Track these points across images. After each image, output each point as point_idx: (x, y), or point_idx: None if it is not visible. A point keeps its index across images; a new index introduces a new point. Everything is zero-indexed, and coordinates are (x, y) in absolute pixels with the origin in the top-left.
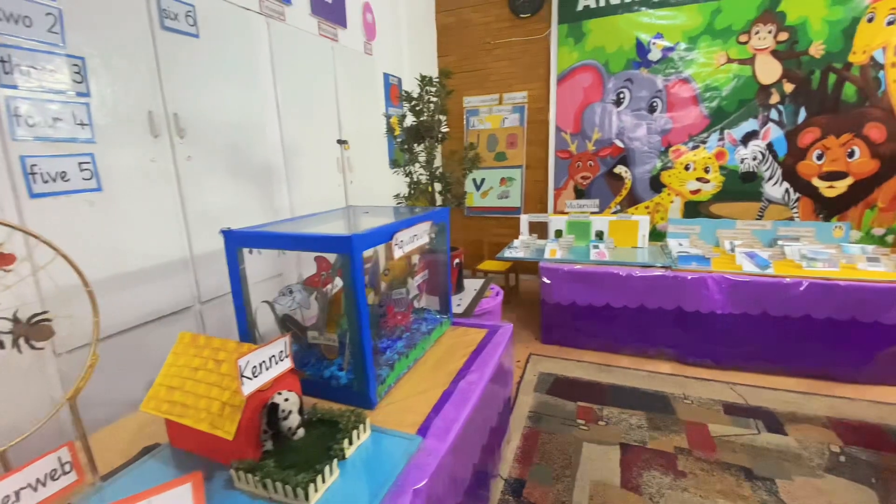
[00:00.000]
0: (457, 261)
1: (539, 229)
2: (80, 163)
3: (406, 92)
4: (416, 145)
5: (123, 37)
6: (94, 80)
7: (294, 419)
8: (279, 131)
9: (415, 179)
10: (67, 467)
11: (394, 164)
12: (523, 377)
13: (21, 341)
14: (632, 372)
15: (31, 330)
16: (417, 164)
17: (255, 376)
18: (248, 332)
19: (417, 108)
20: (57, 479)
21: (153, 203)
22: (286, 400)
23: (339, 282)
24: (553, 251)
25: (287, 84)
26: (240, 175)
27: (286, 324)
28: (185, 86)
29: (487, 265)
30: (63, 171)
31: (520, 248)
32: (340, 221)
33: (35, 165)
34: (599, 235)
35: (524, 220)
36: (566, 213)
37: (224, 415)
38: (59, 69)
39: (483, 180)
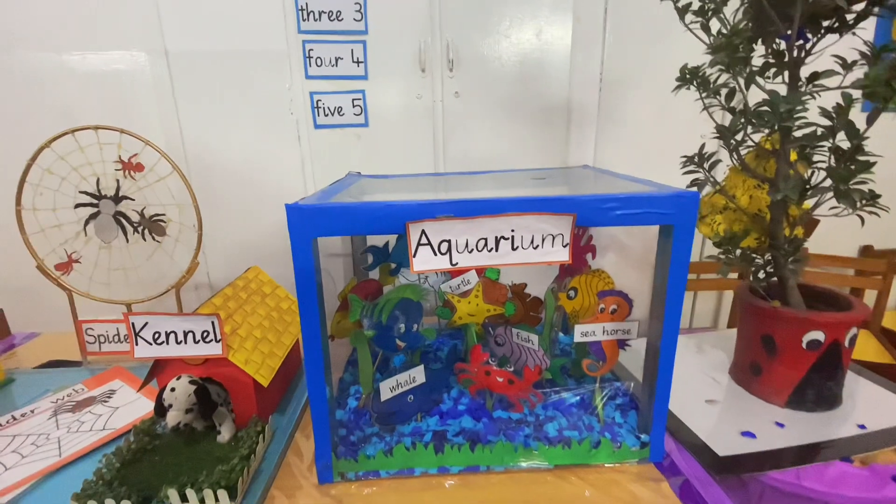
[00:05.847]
0: (813, 336)
1: None
2: (353, 99)
3: None
4: (758, 40)
5: None
6: (372, 17)
7: (173, 417)
8: (600, 55)
9: (739, 122)
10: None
11: (684, 78)
12: None
13: (144, 231)
14: None
15: (151, 225)
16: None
17: (157, 343)
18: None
19: None
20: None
21: (409, 141)
22: (171, 390)
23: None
24: None
25: None
26: (521, 115)
27: None
28: (463, 7)
29: None
30: (339, 107)
31: None
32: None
33: (320, 101)
34: None
35: None
36: None
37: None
38: (344, 9)
39: None
